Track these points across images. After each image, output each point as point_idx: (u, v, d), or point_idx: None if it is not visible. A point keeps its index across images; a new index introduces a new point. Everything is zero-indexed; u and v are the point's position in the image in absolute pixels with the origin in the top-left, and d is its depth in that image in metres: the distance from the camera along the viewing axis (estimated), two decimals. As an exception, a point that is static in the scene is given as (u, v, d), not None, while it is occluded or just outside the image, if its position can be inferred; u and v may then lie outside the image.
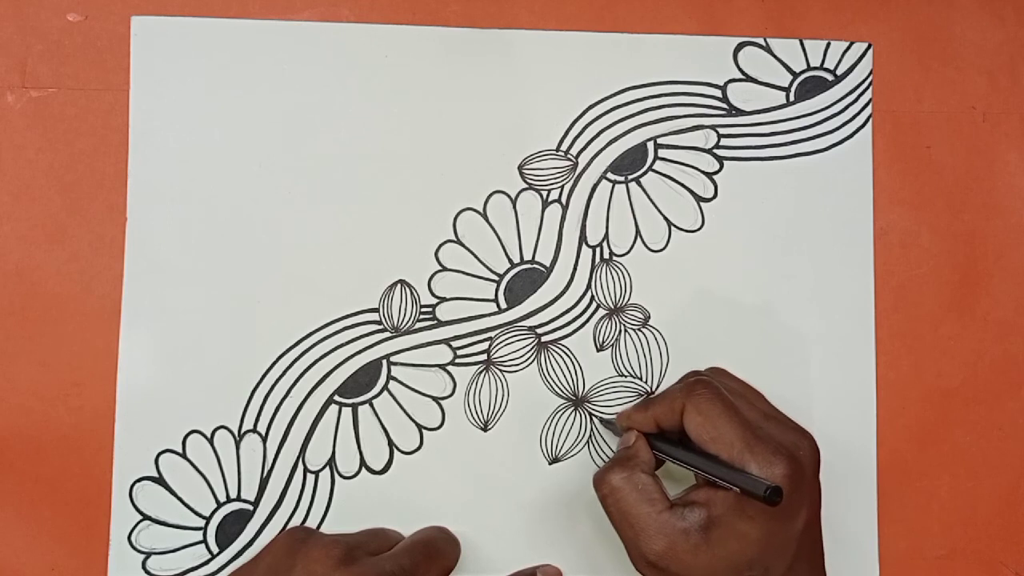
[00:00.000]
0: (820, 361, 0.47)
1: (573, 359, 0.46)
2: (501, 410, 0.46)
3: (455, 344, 0.46)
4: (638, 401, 0.44)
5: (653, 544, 0.38)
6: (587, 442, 0.46)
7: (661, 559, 0.38)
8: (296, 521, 0.45)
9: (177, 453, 0.45)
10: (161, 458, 0.45)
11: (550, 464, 0.46)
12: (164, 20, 0.46)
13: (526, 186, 0.47)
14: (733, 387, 0.42)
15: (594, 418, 0.46)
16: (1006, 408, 0.48)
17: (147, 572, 0.44)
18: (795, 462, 0.38)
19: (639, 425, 0.43)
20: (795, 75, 0.48)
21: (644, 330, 0.47)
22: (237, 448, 0.45)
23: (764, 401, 0.42)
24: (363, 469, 0.45)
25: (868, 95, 0.48)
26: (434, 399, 0.46)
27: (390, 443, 0.46)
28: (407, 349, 0.46)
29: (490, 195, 0.47)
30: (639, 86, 0.47)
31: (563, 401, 0.46)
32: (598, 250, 0.47)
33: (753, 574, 0.37)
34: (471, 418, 0.46)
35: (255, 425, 0.45)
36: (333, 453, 0.45)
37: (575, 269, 0.47)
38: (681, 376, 0.45)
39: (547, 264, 0.47)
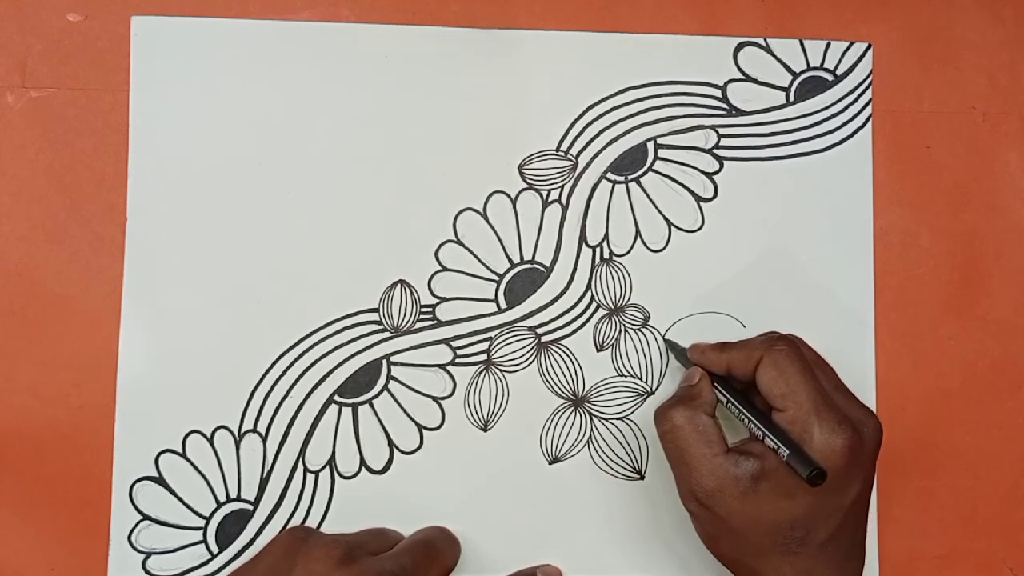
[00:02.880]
0: (820, 361, 0.47)
1: (573, 359, 0.46)
2: (501, 410, 0.46)
3: (455, 344, 0.46)
4: (714, 342, 0.44)
5: (704, 483, 0.39)
6: (587, 442, 0.46)
7: (708, 498, 0.39)
8: (296, 521, 0.45)
9: (177, 453, 0.45)
10: (161, 458, 0.45)
11: (550, 464, 0.46)
12: (164, 20, 0.46)
13: (526, 186, 0.47)
14: (810, 355, 0.42)
15: (664, 337, 0.46)
16: (1006, 408, 0.48)
17: (147, 572, 0.44)
18: (857, 436, 0.38)
19: (710, 364, 0.43)
20: (795, 75, 0.48)
21: (644, 330, 0.47)
22: (237, 448, 0.45)
23: (836, 376, 0.42)
24: (363, 469, 0.45)
25: (868, 95, 0.48)
26: (434, 399, 0.46)
27: (390, 443, 0.46)
28: (407, 349, 0.46)
29: (490, 195, 0.47)
30: (639, 86, 0.47)
31: (563, 401, 0.46)
32: (598, 250, 0.47)
33: (795, 534, 0.38)
34: (471, 418, 0.46)
35: (255, 425, 0.45)
36: (333, 453, 0.45)
37: (575, 269, 0.47)
38: (761, 333, 0.44)
39: (547, 264, 0.47)
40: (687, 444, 0.40)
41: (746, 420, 0.40)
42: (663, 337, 0.46)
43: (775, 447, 0.38)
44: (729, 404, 0.41)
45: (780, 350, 0.40)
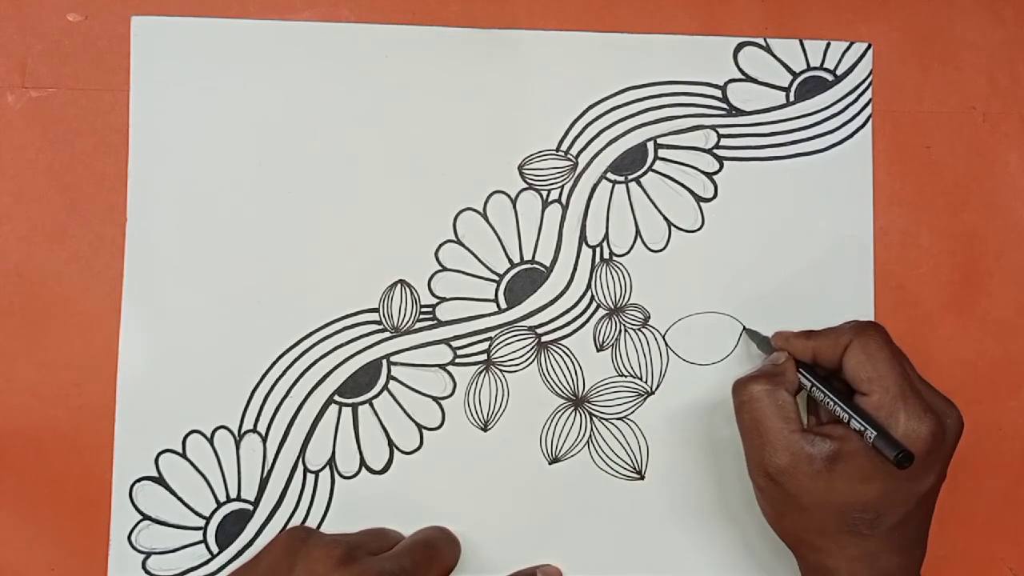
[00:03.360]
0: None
1: (573, 359, 0.46)
2: (501, 410, 0.46)
3: (455, 344, 0.46)
4: (799, 330, 0.44)
5: (776, 458, 0.39)
6: (587, 442, 0.46)
7: (780, 474, 0.39)
8: (296, 521, 0.45)
9: (177, 453, 0.45)
10: (161, 458, 0.45)
11: (550, 464, 0.46)
12: (164, 20, 0.46)
13: (526, 186, 0.47)
14: (895, 345, 0.42)
15: (745, 328, 0.46)
16: (1006, 408, 0.48)
17: (147, 572, 0.44)
18: (941, 426, 0.38)
19: (795, 350, 0.43)
20: (795, 75, 0.48)
21: (644, 330, 0.47)
22: (237, 448, 0.45)
23: (915, 370, 0.42)
24: (363, 469, 0.45)
25: (868, 95, 0.48)
26: (434, 399, 0.46)
27: (390, 443, 0.46)
28: (407, 349, 0.46)
29: (490, 195, 0.47)
30: (639, 86, 0.47)
31: (563, 401, 0.46)
32: (598, 250, 0.47)
33: (865, 516, 0.38)
34: (471, 418, 0.46)
35: (255, 425, 0.45)
36: (333, 453, 0.45)
37: (575, 269, 0.47)
38: (847, 321, 0.44)
39: (547, 264, 0.47)
40: (763, 416, 0.40)
41: (832, 403, 0.40)
42: (745, 327, 0.46)
43: (861, 429, 0.38)
44: (814, 388, 0.41)
45: (870, 335, 0.40)
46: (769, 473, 0.39)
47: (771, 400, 0.40)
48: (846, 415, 0.39)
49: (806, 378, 0.42)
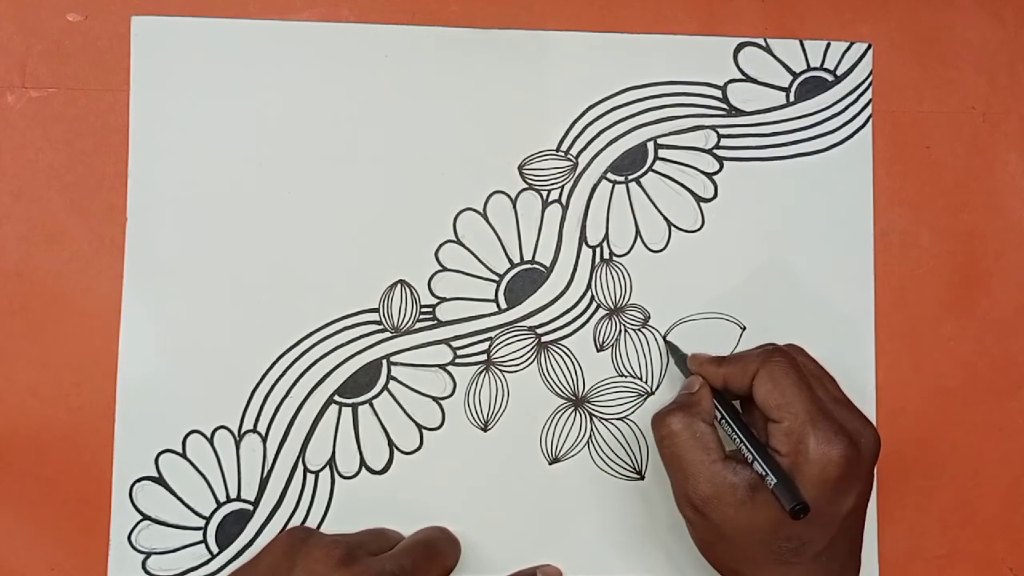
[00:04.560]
0: (820, 361, 0.47)
1: (573, 359, 0.46)
2: (501, 410, 0.46)
3: (455, 344, 0.46)
4: (713, 355, 0.44)
5: (700, 489, 0.39)
6: (587, 442, 0.46)
7: (705, 505, 0.39)
8: (296, 521, 0.45)
9: (177, 453, 0.45)
10: (161, 458, 0.45)
11: (550, 464, 0.46)
12: (164, 20, 0.46)
13: (526, 186, 0.47)
14: (809, 366, 0.42)
15: (664, 338, 0.46)
16: (1006, 408, 0.48)
17: (147, 572, 0.44)
18: (854, 446, 0.38)
19: (708, 376, 0.43)
20: (795, 75, 0.48)
21: (644, 330, 0.47)
22: (237, 448, 0.45)
23: (836, 386, 0.42)
24: (363, 469, 0.45)
25: (868, 95, 0.48)
26: (434, 399, 0.46)
27: (390, 443, 0.46)
28: (407, 349, 0.46)
29: (490, 195, 0.47)
30: (639, 86, 0.47)
31: (563, 401, 0.46)
32: (598, 250, 0.47)
33: (789, 545, 0.38)
34: (471, 418, 0.46)
35: (255, 425, 0.45)
36: (333, 453, 0.45)
37: (575, 269, 0.47)
38: (758, 345, 0.44)
39: (547, 264, 0.47)
40: (684, 450, 0.40)
41: (737, 441, 0.40)
42: (664, 339, 0.46)
43: (763, 473, 0.38)
44: (723, 421, 0.41)
45: (776, 362, 0.40)
46: (694, 505, 0.39)
47: (689, 433, 0.40)
48: (750, 456, 0.39)
49: (718, 410, 0.41)
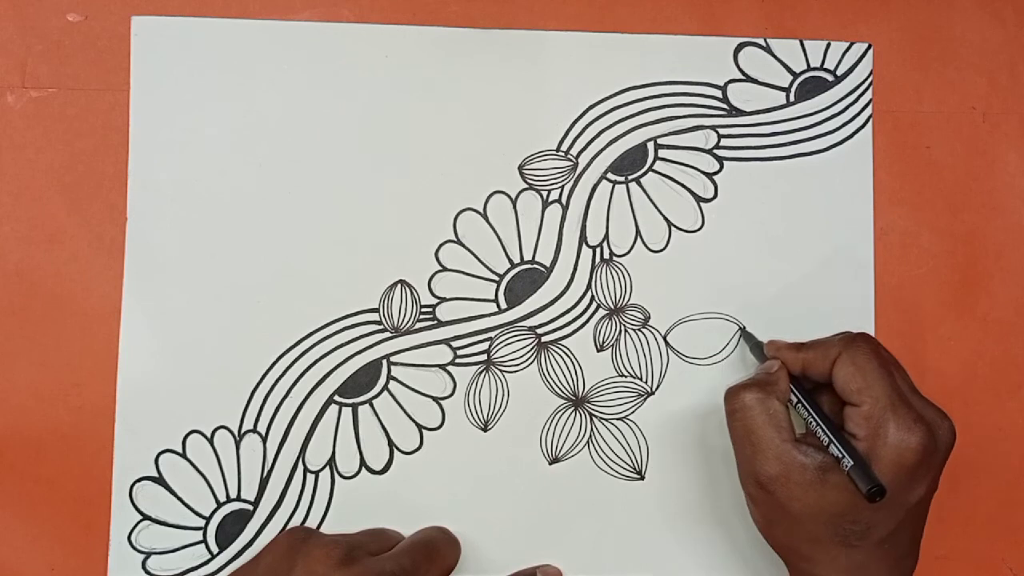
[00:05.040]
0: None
1: (573, 359, 0.46)
2: (501, 410, 0.46)
3: (455, 344, 0.46)
4: (791, 341, 0.44)
5: (768, 467, 0.39)
6: (587, 442, 0.46)
7: (771, 482, 0.39)
8: (296, 521, 0.45)
9: (177, 453, 0.45)
10: (161, 458, 0.45)
11: (550, 464, 0.46)
12: (164, 20, 0.46)
13: (526, 186, 0.47)
14: (886, 355, 0.42)
15: (741, 328, 0.46)
16: (1006, 408, 0.48)
17: (147, 572, 0.44)
18: (931, 436, 0.38)
19: (786, 361, 0.43)
20: (795, 75, 0.48)
21: (644, 330, 0.47)
22: (237, 448, 0.45)
23: (910, 379, 0.42)
24: (363, 469, 0.45)
25: (868, 95, 0.48)
26: (434, 399, 0.46)
27: (390, 443, 0.46)
28: (407, 349, 0.46)
29: (490, 195, 0.47)
30: (639, 86, 0.47)
31: (563, 401, 0.46)
32: (598, 250, 0.47)
33: (855, 528, 0.38)
34: (471, 418, 0.46)
35: (255, 425, 0.45)
36: (333, 453, 0.45)
37: (575, 269, 0.47)
38: (837, 333, 0.44)
39: (547, 264, 0.47)
40: (755, 425, 0.40)
41: (814, 424, 0.40)
42: (741, 329, 0.46)
43: (839, 456, 0.38)
44: (799, 405, 0.41)
45: (859, 347, 0.40)
46: (760, 482, 0.39)
47: (763, 409, 0.40)
48: (827, 439, 0.39)
49: (794, 393, 0.42)
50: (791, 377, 0.42)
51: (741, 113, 0.48)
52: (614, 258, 0.47)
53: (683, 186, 0.47)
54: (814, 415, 0.40)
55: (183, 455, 0.45)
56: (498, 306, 0.46)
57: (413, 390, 0.46)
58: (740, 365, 0.47)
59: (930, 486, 0.39)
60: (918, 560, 0.41)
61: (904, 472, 0.38)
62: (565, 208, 0.47)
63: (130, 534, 0.44)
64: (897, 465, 0.37)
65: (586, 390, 0.46)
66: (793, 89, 0.48)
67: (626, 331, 0.47)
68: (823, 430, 0.39)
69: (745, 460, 0.40)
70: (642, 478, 0.46)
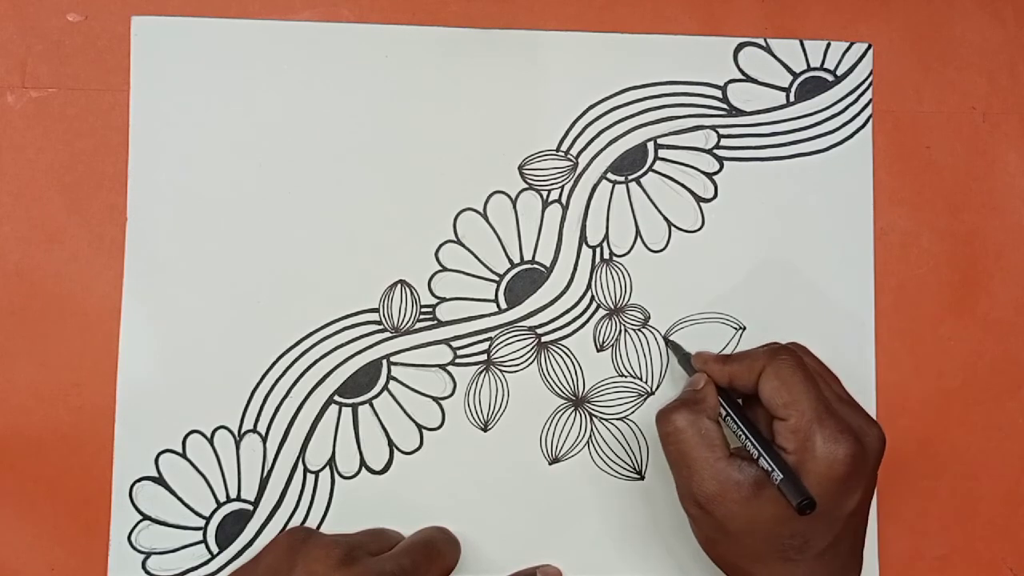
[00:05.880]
0: (821, 361, 0.47)
1: (573, 359, 0.46)
2: (501, 410, 0.46)
3: (455, 344, 0.46)
4: (717, 353, 0.44)
5: (705, 487, 0.39)
6: (587, 442, 0.46)
7: (709, 502, 0.39)
8: (296, 521, 0.45)
9: (177, 453, 0.45)
10: (161, 458, 0.45)
11: (550, 464, 0.46)
12: (164, 20, 0.46)
13: (526, 186, 0.47)
14: (813, 365, 0.42)
15: (665, 338, 0.46)
16: (1006, 408, 0.48)
17: (147, 572, 0.44)
18: (860, 445, 0.38)
19: (713, 374, 0.43)
20: (795, 75, 0.48)
21: (644, 330, 0.47)
22: (237, 448, 0.45)
23: (840, 386, 0.42)
24: (363, 469, 0.45)
25: (868, 95, 0.48)
26: (434, 399, 0.46)
27: (390, 443, 0.46)
28: (407, 349, 0.46)
29: (490, 195, 0.47)
30: (639, 86, 0.47)
31: (563, 401, 0.46)
32: (598, 250, 0.47)
33: (793, 542, 0.38)
34: (471, 418, 0.46)
35: (255, 425, 0.45)
36: (333, 453, 0.45)
37: (575, 269, 0.47)
38: (762, 344, 0.44)
39: (547, 264, 0.47)
40: (689, 447, 0.40)
41: (743, 437, 0.40)
42: (665, 339, 0.46)
43: (769, 470, 0.38)
44: (727, 419, 0.41)
45: (783, 360, 0.40)
46: (698, 502, 0.39)
47: (694, 430, 0.40)
48: (756, 452, 0.39)
49: (723, 407, 0.42)
50: (720, 390, 0.42)
51: (741, 113, 0.48)
52: (614, 258, 0.47)
53: (683, 186, 0.47)
54: (743, 429, 0.40)
55: (183, 455, 0.45)
56: (498, 306, 0.46)
57: (413, 390, 0.46)
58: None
59: (864, 494, 0.39)
60: (860, 569, 0.41)
61: (834, 483, 0.37)
62: (565, 208, 0.47)
63: (130, 534, 0.44)
64: (827, 477, 0.37)
65: (586, 390, 0.46)
66: (793, 89, 0.48)
67: (626, 331, 0.47)
68: (752, 444, 0.39)
69: (683, 481, 0.40)
70: (642, 478, 0.46)
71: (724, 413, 0.41)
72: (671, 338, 0.46)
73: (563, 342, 0.46)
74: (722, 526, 0.39)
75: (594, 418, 0.46)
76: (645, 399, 0.47)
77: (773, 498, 0.38)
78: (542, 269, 0.47)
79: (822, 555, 0.38)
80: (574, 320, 0.46)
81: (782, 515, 0.38)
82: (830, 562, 0.39)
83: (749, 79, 0.48)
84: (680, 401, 0.42)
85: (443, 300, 0.46)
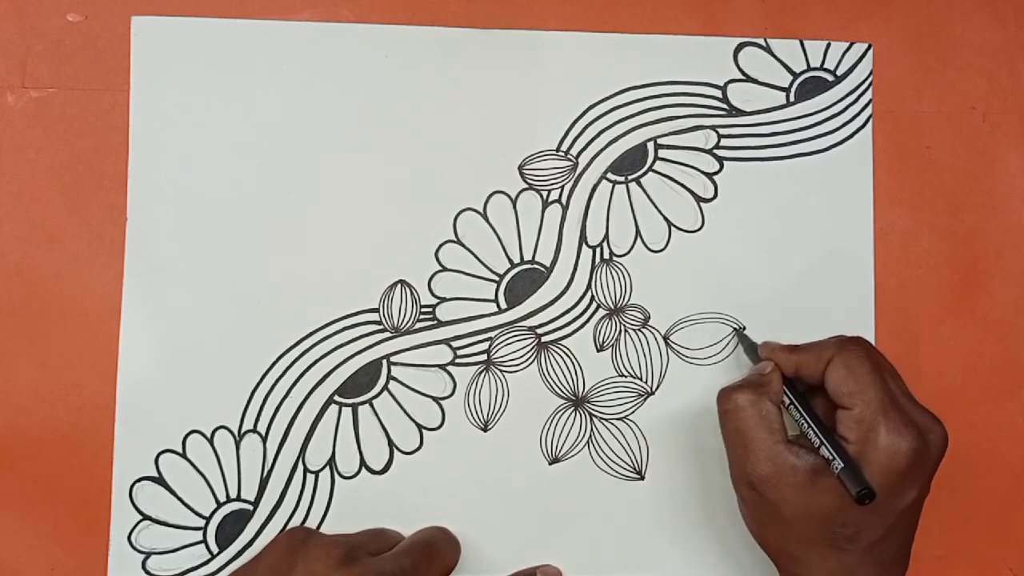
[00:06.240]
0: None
1: (573, 359, 0.46)
2: (501, 410, 0.46)
3: (455, 344, 0.46)
4: (785, 343, 0.44)
5: (759, 468, 0.39)
6: (587, 442, 0.46)
7: (762, 484, 0.39)
8: (296, 521, 0.45)
9: (177, 453, 0.45)
10: (161, 458, 0.45)
11: (550, 464, 0.46)
12: (164, 20, 0.46)
13: (526, 186, 0.47)
14: (879, 359, 0.42)
15: (736, 329, 0.46)
16: (1006, 408, 0.48)
17: (147, 572, 0.44)
18: (923, 440, 0.38)
19: (780, 363, 0.43)
20: (795, 75, 0.48)
21: (644, 330, 0.47)
22: (237, 448, 0.45)
23: (903, 383, 0.42)
24: (363, 469, 0.45)
25: (868, 95, 0.48)
26: (434, 399, 0.46)
27: (390, 443, 0.46)
28: (407, 349, 0.46)
29: (490, 195, 0.47)
30: (639, 86, 0.47)
31: (563, 401, 0.46)
32: (598, 250, 0.47)
33: (845, 531, 0.38)
34: (471, 418, 0.46)
35: (255, 425, 0.45)
36: (333, 453, 0.45)
37: (575, 269, 0.47)
38: (831, 336, 0.44)
39: (547, 264, 0.47)
40: (747, 426, 0.40)
41: (806, 426, 0.40)
42: (736, 329, 0.46)
43: (830, 458, 0.38)
44: (791, 407, 0.41)
45: (852, 350, 0.40)
46: (752, 483, 0.39)
47: (755, 410, 0.40)
48: (818, 441, 0.39)
49: (787, 395, 0.42)
50: (784, 379, 0.42)
51: (741, 113, 0.48)
52: (614, 258, 0.47)
53: (683, 186, 0.47)
54: (806, 417, 0.40)
55: (183, 455, 0.45)
56: (498, 306, 0.46)
57: (413, 390, 0.46)
58: (738, 365, 0.47)
59: (921, 491, 0.39)
60: (908, 566, 0.41)
61: (894, 476, 0.37)
62: (565, 208, 0.47)
63: (130, 534, 0.44)
64: (887, 469, 0.37)
65: (586, 390, 0.46)
66: (793, 89, 0.48)
67: (626, 331, 0.47)
68: (814, 432, 0.39)
69: (737, 461, 0.40)
70: (642, 478, 0.46)
71: (788, 402, 0.41)
72: (742, 330, 0.46)
73: (563, 342, 0.46)
74: (774, 509, 0.39)
75: (594, 418, 0.46)
76: (645, 399, 0.47)
77: (829, 487, 0.38)
78: (542, 269, 0.47)
79: (872, 547, 0.38)
80: (574, 320, 0.46)
81: (837, 504, 0.38)
82: (879, 554, 0.39)
83: (749, 79, 0.48)
84: (744, 381, 0.42)
85: (443, 300, 0.46)
